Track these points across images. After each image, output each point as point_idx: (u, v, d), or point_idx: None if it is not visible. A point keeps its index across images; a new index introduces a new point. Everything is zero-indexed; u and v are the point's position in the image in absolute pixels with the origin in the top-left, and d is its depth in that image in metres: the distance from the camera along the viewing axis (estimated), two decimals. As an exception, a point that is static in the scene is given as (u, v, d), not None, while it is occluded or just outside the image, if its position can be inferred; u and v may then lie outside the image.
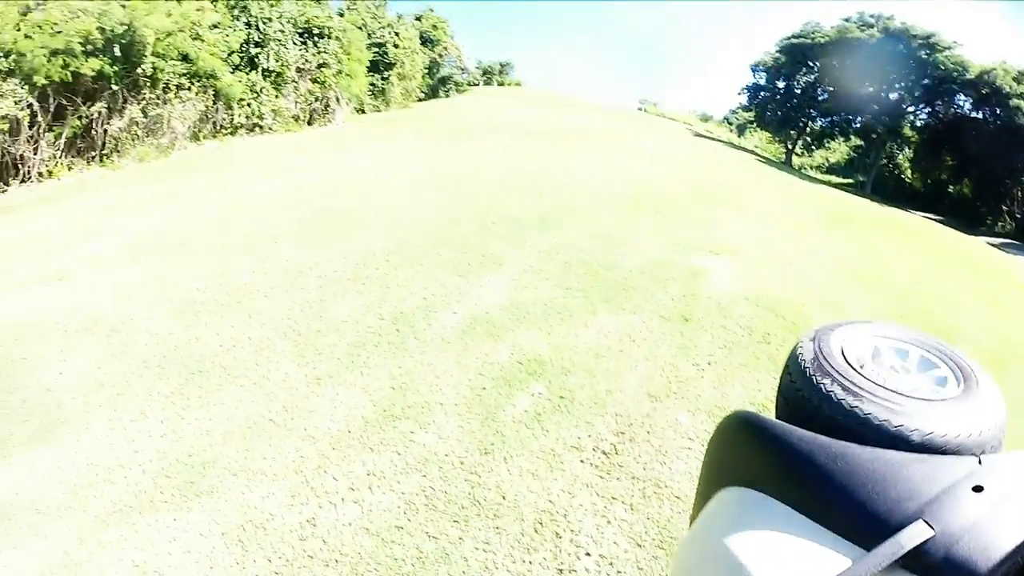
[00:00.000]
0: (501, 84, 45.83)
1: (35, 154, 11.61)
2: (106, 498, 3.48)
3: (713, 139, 28.45)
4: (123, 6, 13.00)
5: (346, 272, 6.20)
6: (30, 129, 11.52)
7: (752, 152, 27.67)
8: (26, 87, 11.40)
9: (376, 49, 23.64)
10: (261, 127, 16.61)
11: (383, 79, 24.60)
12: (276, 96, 17.14)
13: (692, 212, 9.19)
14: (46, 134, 11.83)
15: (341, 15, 21.58)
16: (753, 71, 33.80)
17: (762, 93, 33.65)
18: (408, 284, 5.94)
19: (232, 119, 15.56)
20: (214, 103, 14.84)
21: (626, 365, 4.63)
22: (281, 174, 10.61)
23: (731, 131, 39.40)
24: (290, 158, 12.54)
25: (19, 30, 11.64)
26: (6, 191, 11.09)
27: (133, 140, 13.11)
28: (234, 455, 3.78)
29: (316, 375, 4.52)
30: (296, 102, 18.03)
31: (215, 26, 15.40)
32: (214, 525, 3.27)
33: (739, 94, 35.32)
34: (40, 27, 11.90)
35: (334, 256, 6.60)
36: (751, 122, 36.97)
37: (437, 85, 33.19)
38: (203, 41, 14.72)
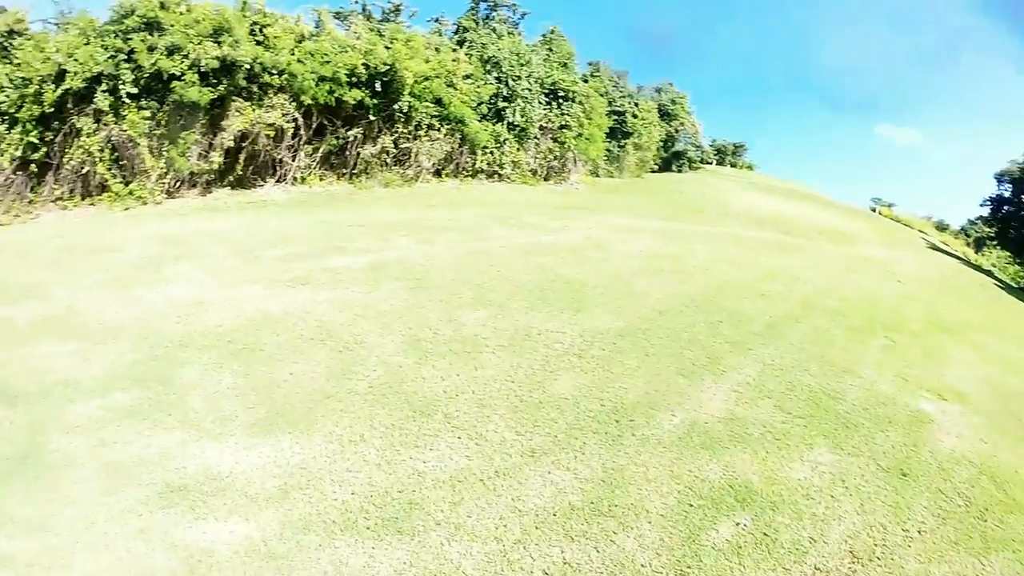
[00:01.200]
0: (733, 165, 47.00)
1: (293, 160, 14.80)
2: (312, 504, 4.02)
3: (949, 253, 27.80)
4: (387, 47, 16.00)
5: (572, 346, 6.67)
6: (292, 139, 14.70)
7: (990, 274, 26.18)
8: (293, 104, 14.61)
9: (615, 117, 25.82)
10: (500, 175, 19.05)
11: (619, 147, 26.87)
12: (517, 149, 19.59)
13: (923, 341, 9.15)
14: (305, 146, 14.97)
15: (585, 80, 23.89)
16: (998, 181, 32.94)
17: (1006, 207, 32.70)
18: (632, 374, 6.25)
19: (474, 163, 18.10)
20: (459, 146, 17.45)
21: (835, 514, 4.61)
22: (517, 226, 11.78)
23: (968, 244, 37.85)
24: (525, 211, 13.84)
25: (293, 55, 14.92)
26: (263, 186, 14.32)
27: (382, 166, 15.92)
28: (441, 504, 4.15)
29: (531, 447, 4.86)
30: (535, 157, 20.46)
31: (468, 76, 18.28)
32: (410, 567, 3.63)
33: (980, 205, 34.66)
34: (312, 55, 15.18)
35: (562, 326, 7.12)
36: (991, 238, 35.93)
37: (670, 159, 34.95)
38: (456, 89, 17.52)
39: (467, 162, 18.02)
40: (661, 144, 32.33)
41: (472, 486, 4.40)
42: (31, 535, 3.70)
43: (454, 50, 19.04)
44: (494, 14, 23.41)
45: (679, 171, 34.64)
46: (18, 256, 9.64)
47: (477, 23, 22.66)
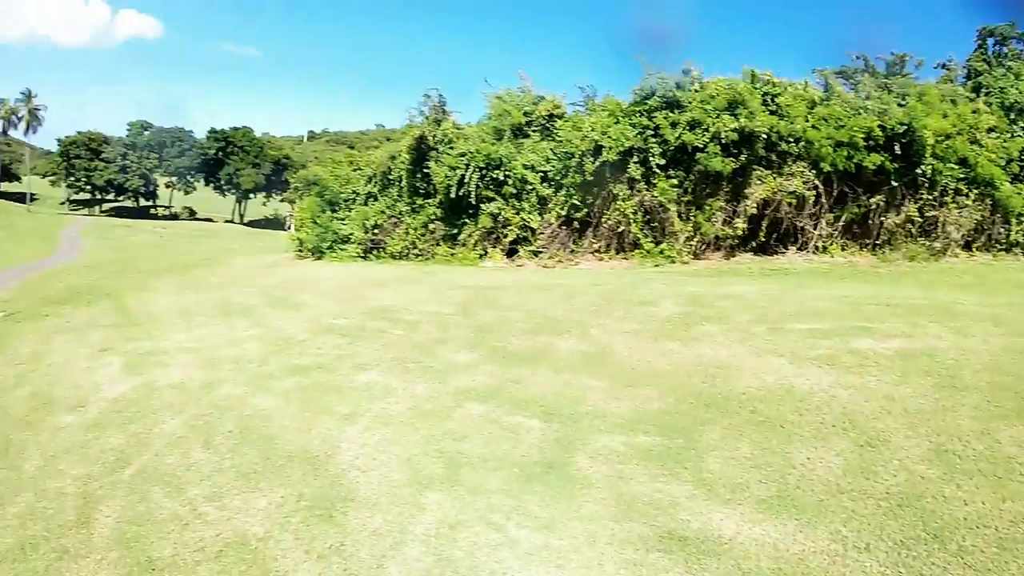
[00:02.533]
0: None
1: (814, 229, 16.73)
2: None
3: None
4: (900, 105, 16.68)
5: None
6: (813, 207, 16.62)
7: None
8: (812, 171, 16.40)
9: None
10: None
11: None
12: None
13: None
14: (826, 214, 16.71)
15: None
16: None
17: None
18: None
19: (1008, 234, 17.41)
20: (991, 214, 17.09)
21: None
22: None
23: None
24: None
25: (807, 121, 16.66)
26: (784, 253, 16.44)
27: (906, 237, 16.64)
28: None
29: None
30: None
31: (991, 130, 17.72)
32: None
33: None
34: (825, 120, 16.73)
35: None
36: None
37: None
38: (981, 146, 17.12)
39: (1000, 232, 17.53)
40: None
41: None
42: (538, 531, 5.05)
43: (970, 99, 18.69)
44: (1004, 50, 22.69)
45: None
46: (563, 297, 12.76)
47: (989, 64, 22.04)
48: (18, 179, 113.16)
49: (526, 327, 10.59)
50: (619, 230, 18.49)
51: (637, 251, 18.19)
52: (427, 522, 5.25)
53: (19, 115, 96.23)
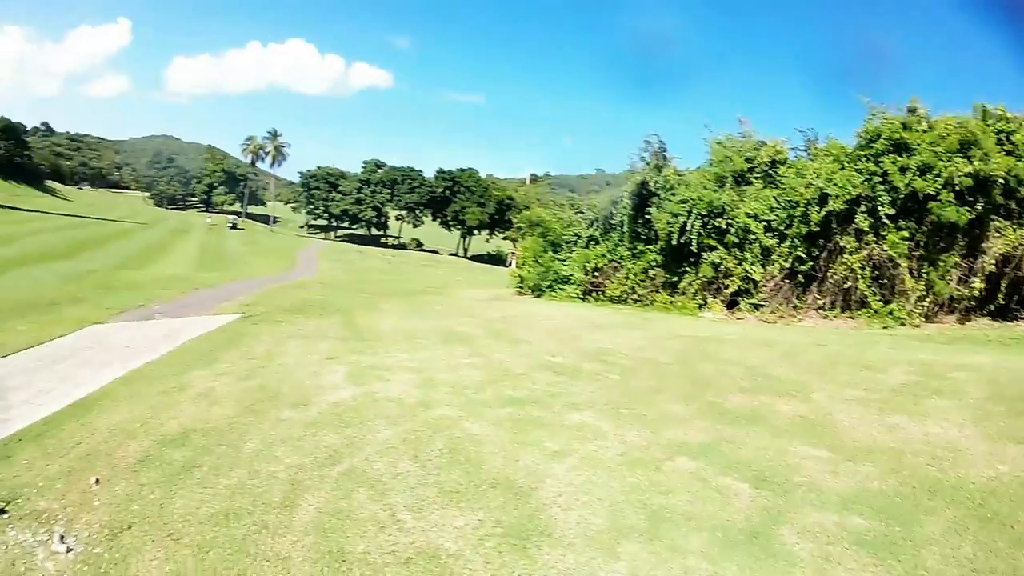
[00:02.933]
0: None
1: None
2: None
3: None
4: None
5: None
6: None
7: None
8: None
9: None
10: None
11: None
12: None
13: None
14: None
15: None
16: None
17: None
18: None
19: None
20: None
21: None
22: None
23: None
24: None
25: None
26: None
27: None
28: None
29: None
30: None
31: None
32: None
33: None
34: None
35: None
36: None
37: None
38: None
39: None
40: None
41: None
42: None
43: None
44: None
45: None
46: (785, 355, 12.10)
47: None
48: (263, 204, 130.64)
49: (745, 384, 10.15)
50: (845, 286, 17.21)
51: (864, 310, 16.84)
52: (619, 571, 5.09)
53: (266, 150, 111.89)
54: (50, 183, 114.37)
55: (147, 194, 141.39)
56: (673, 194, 20.63)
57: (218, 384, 10.03)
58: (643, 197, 21.66)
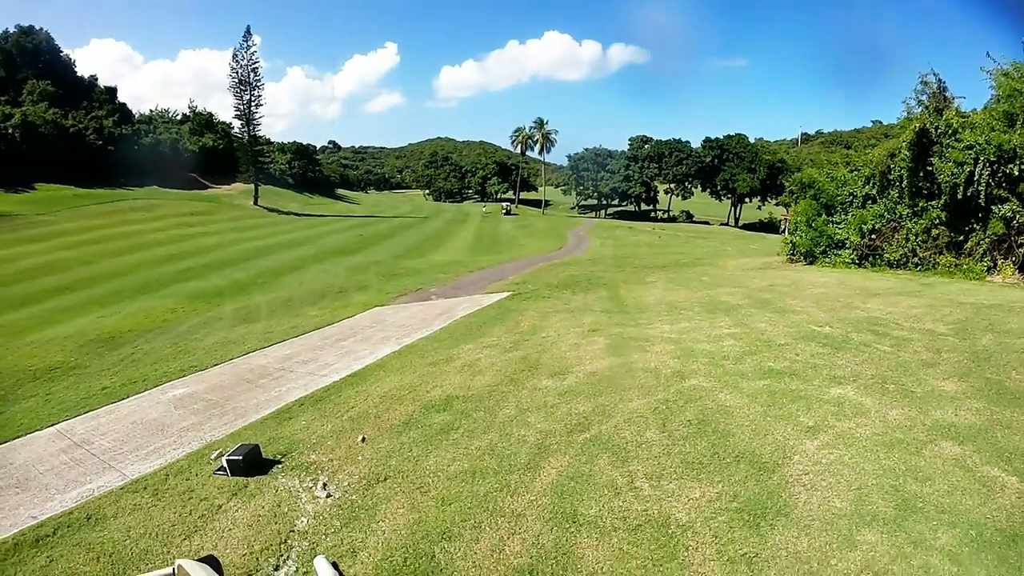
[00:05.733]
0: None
1: None
2: None
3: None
4: None
5: None
6: None
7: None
8: None
9: None
10: None
11: None
12: None
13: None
14: None
15: None
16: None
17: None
18: None
19: None
20: None
21: None
22: None
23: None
24: None
25: None
26: None
27: None
28: None
29: None
30: None
31: None
32: None
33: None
34: None
35: None
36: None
37: None
38: None
39: None
40: None
41: None
42: None
43: None
44: None
45: None
46: None
47: None
48: (535, 189, 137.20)
49: None
50: None
51: None
52: (852, 561, 4.75)
53: (534, 139, 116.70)
54: (340, 191, 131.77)
55: (426, 191, 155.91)
56: (957, 140, 17.91)
57: (483, 356, 10.73)
58: (923, 146, 19.00)
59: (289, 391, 9.87)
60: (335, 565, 5.03)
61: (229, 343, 13.44)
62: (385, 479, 6.49)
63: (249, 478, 6.74)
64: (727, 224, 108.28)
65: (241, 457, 6.81)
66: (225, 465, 6.83)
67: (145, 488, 6.69)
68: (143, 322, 16.19)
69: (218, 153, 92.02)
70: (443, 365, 10.40)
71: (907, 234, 19.69)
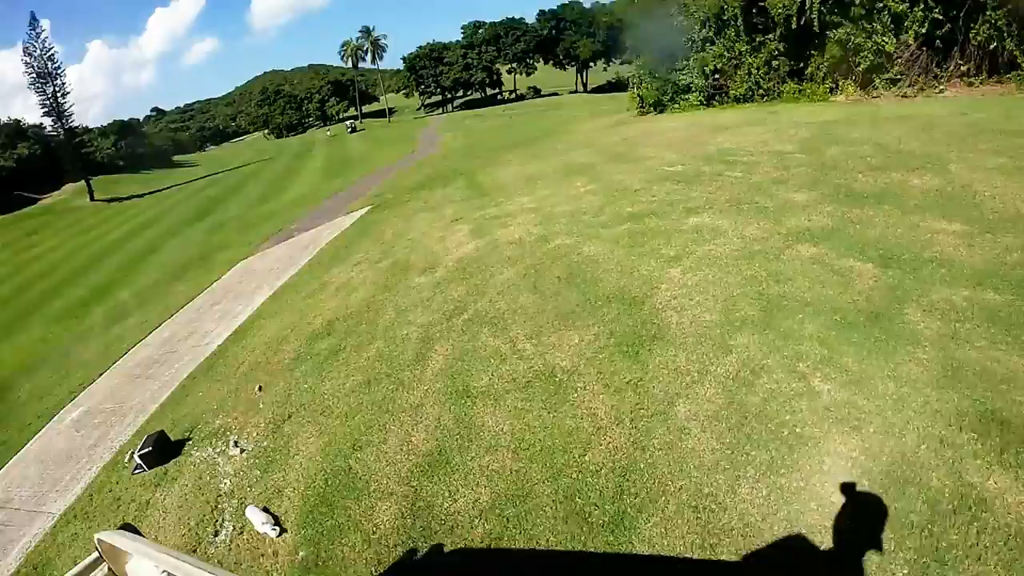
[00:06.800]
0: None
1: None
2: None
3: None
4: None
5: None
6: None
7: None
8: None
9: None
10: None
11: None
12: None
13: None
14: None
15: None
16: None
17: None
18: None
19: None
20: None
21: None
22: None
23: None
24: None
25: None
26: None
27: None
28: None
29: None
30: None
31: None
32: None
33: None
34: None
35: None
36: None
37: None
38: None
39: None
40: None
41: None
42: (844, 386, 4.59)
43: None
44: None
45: None
46: (922, 129, 11.32)
47: None
48: (376, 100, 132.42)
49: (875, 162, 9.68)
50: (990, 48, 15.13)
51: (1013, 73, 14.93)
52: (729, 364, 5.21)
53: (364, 50, 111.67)
54: (177, 157, 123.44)
55: (266, 131, 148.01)
56: (783, -27, 18.31)
57: (355, 273, 10.79)
58: (752, -17, 19.31)
59: (179, 371, 9.69)
60: (266, 509, 5.21)
61: (109, 347, 12.89)
62: (289, 417, 6.62)
63: (166, 464, 6.72)
64: (576, 91, 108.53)
65: (151, 448, 6.78)
66: (140, 462, 6.79)
67: (76, 516, 6.58)
68: (18, 362, 15.22)
69: (38, 160, 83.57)
70: (318, 295, 10.41)
71: (749, 69, 20.53)
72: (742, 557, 3.63)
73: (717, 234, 7.91)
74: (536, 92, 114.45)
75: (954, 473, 3.76)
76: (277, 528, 4.99)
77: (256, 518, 5.05)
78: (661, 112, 23.79)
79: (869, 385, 4.60)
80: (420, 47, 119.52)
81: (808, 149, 11.22)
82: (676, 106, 23.18)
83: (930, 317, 5.28)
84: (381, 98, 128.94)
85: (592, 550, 3.93)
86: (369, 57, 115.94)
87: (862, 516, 3.68)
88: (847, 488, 3.87)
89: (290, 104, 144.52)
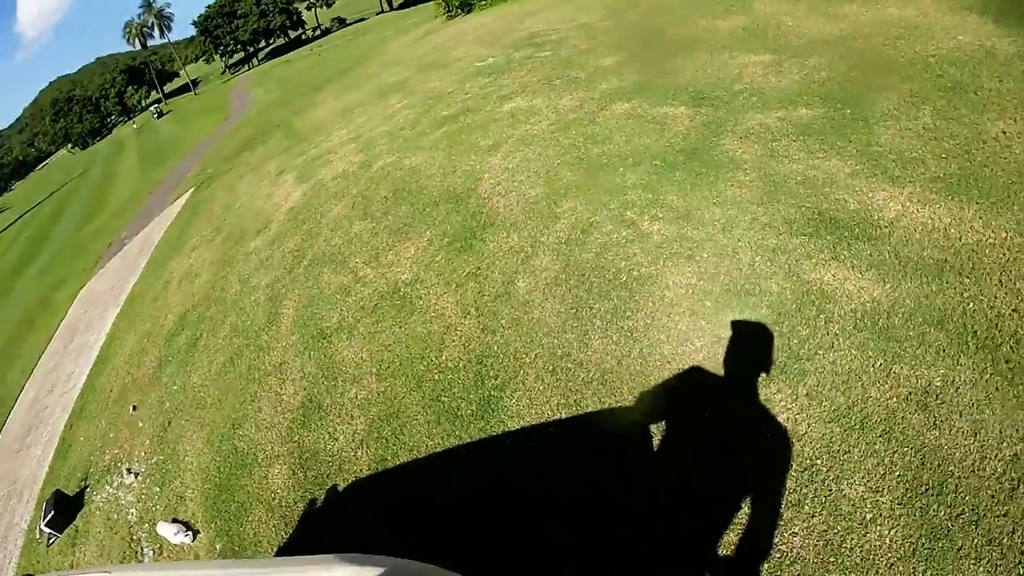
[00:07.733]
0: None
1: None
2: None
3: None
4: None
5: None
6: None
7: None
8: None
9: None
10: None
11: None
12: None
13: None
14: None
15: None
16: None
17: None
18: None
19: None
20: None
21: None
22: None
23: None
24: None
25: None
26: None
27: None
28: None
29: None
30: None
31: None
32: None
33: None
34: None
35: None
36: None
37: None
38: None
39: None
40: None
41: None
42: (672, 222, 4.92)
43: None
44: None
45: None
46: None
47: None
48: (177, 75, 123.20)
49: (680, 14, 9.97)
50: None
51: None
52: (559, 230, 5.45)
53: (149, 26, 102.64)
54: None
55: (69, 146, 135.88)
56: None
57: (194, 259, 10.51)
58: None
59: (55, 425, 9.22)
60: (175, 520, 5.16)
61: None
62: (169, 423, 6.51)
63: (74, 521, 6.50)
64: (383, 11, 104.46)
65: (53, 512, 6.52)
66: (49, 531, 6.52)
67: (7, 625, 6.24)
68: None
69: None
70: (164, 294, 10.09)
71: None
72: (605, 404, 3.85)
73: (532, 114, 8.11)
74: (341, 22, 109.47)
75: (792, 275, 4.06)
76: (190, 533, 4.98)
77: (167, 532, 5.05)
78: (469, 12, 23.71)
79: (696, 216, 4.89)
80: (209, 7, 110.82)
81: (612, 17, 11.56)
82: (483, 3, 23.03)
83: (747, 142, 5.61)
84: (182, 72, 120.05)
85: (469, 440, 4.09)
86: (157, 32, 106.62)
87: (710, 333, 3.95)
88: (691, 312, 4.14)
89: (86, 108, 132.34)
